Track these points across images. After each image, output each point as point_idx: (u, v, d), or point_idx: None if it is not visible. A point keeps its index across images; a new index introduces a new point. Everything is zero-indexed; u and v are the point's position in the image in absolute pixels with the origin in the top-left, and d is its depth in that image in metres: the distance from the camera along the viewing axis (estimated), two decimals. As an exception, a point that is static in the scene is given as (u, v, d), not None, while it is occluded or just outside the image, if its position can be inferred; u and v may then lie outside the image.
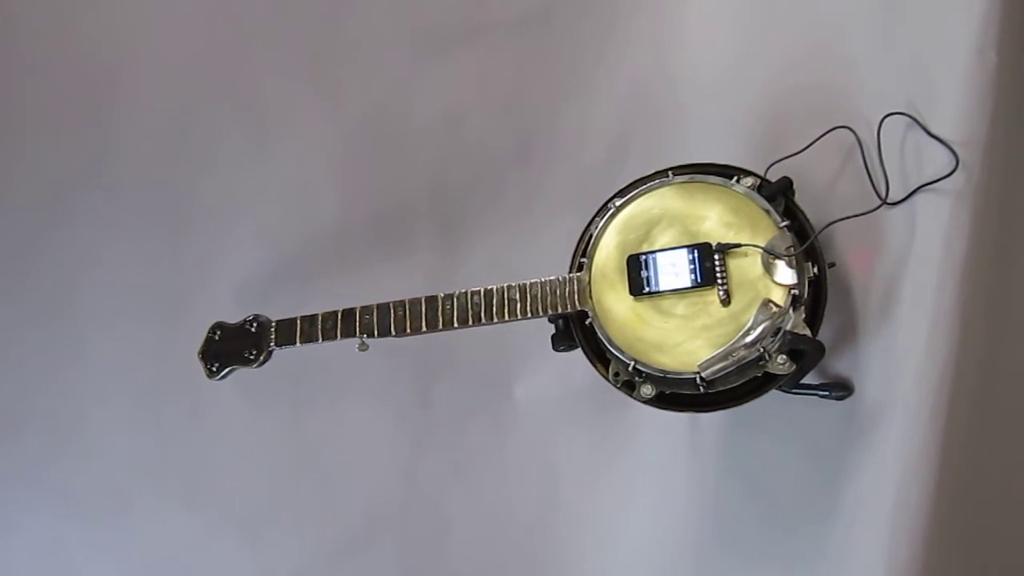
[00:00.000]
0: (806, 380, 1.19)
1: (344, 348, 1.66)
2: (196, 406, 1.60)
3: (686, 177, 1.16)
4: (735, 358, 1.07)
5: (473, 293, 1.21)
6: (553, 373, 1.63)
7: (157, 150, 1.67)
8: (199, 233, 1.63)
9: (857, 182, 1.13)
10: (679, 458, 1.49)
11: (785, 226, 1.09)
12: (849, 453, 1.14)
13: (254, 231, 1.60)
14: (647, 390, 1.15)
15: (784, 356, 1.09)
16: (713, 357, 1.08)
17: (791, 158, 1.16)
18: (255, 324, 1.32)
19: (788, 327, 1.07)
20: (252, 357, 1.31)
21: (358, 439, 1.59)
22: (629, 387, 1.17)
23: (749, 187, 1.13)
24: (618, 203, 1.18)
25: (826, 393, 1.18)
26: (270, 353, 1.30)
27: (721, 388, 1.12)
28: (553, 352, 1.65)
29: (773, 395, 1.23)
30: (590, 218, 1.22)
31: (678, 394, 1.15)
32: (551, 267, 1.41)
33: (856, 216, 1.07)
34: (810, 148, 1.16)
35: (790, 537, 1.21)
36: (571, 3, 1.50)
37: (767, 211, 1.11)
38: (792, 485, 1.23)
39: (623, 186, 1.21)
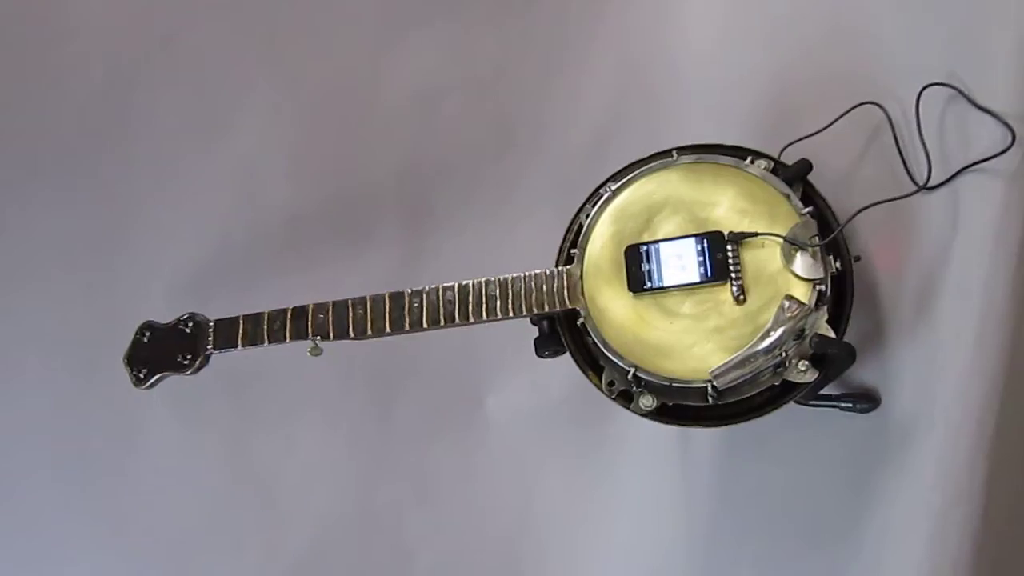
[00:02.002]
0: (825, 391, 1.06)
1: (293, 353, 1.48)
2: (122, 422, 1.40)
3: (693, 158, 1.01)
4: (752, 365, 0.92)
5: (445, 289, 1.05)
6: (529, 384, 1.47)
7: (81, 126, 1.46)
8: (129, 221, 1.42)
9: (885, 166, 0.99)
10: (671, 481, 1.34)
11: (808, 213, 0.95)
12: (876, 475, 1.00)
13: (193, 220, 1.40)
14: (647, 401, 1.00)
15: (806, 362, 0.94)
16: (727, 363, 0.93)
17: (808, 139, 1.02)
18: (191, 324, 1.14)
19: (811, 328, 0.93)
20: (186, 362, 1.13)
21: (308, 459, 1.40)
22: (626, 398, 1.02)
23: (764, 170, 0.99)
24: (613, 187, 1.03)
25: (849, 405, 1.04)
26: (207, 357, 1.12)
27: (732, 399, 0.98)
28: (531, 360, 1.49)
29: (783, 412, 1.09)
30: (579, 207, 1.08)
31: (682, 406, 1.00)
32: (532, 265, 1.26)
33: (891, 200, 0.93)
34: (831, 128, 1.02)
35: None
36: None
37: (787, 196, 0.97)
38: (804, 515, 1.08)
39: (617, 170, 1.06)
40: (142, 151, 1.42)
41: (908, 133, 0.98)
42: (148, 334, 1.16)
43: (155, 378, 1.14)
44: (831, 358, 0.93)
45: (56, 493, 1.44)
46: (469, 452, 1.46)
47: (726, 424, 0.99)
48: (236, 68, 1.42)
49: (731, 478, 1.20)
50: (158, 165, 1.42)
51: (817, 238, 0.94)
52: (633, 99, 1.29)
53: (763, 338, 0.92)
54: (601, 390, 1.03)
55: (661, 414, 1.00)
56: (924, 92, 0.96)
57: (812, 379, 0.94)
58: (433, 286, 1.05)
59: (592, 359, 1.04)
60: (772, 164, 1.01)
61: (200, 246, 1.40)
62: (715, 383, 0.93)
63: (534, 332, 1.51)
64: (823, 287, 0.93)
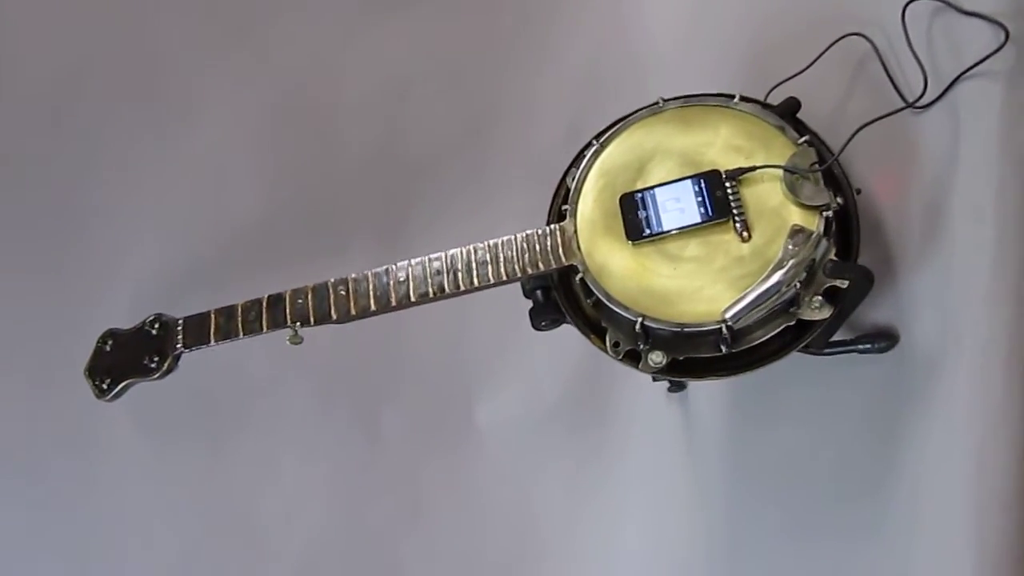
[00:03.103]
0: (837, 336, 1.01)
1: (269, 371, 1.39)
2: (82, 449, 1.29)
3: (679, 102, 0.99)
4: (766, 301, 0.87)
5: (432, 260, 0.99)
6: (520, 389, 1.40)
7: (31, 124, 1.38)
8: (86, 225, 1.34)
9: (875, 94, 0.97)
10: (681, 471, 1.26)
11: (805, 141, 0.92)
12: (903, 417, 0.94)
13: (154, 221, 1.32)
14: (656, 358, 0.93)
15: (820, 298, 0.89)
16: (739, 301, 0.87)
17: (792, 80, 1.00)
18: (157, 325, 1.06)
19: (822, 259, 0.89)
20: (154, 365, 1.04)
21: (290, 481, 1.30)
22: (633, 358, 0.95)
23: (754, 107, 0.96)
24: (600, 140, 0.99)
25: (866, 346, 0.99)
26: (177, 358, 1.04)
27: (746, 345, 0.92)
28: (520, 365, 1.43)
29: (795, 368, 1.04)
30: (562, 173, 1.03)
31: (693, 360, 0.94)
32: None
33: (887, 116, 0.89)
34: (814, 65, 0.99)
35: (838, 534, 0.99)
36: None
37: (780, 128, 0.94)
38: (831, 473, 1.02)
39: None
40: (97, 149, 1.34)
41: (895, 57, 0.96)
42: (111, 342, 1.07)
43: (120, 386, 1.05)
44: (846, 290, 0.89)
45: (5, 529, 1.30)
46: (461, 466, 1.37)
47: (742, 372, 0.93)
48: (196, 60, 1.36)
49: (746, 453, 1.13)
50: (115, 164, 1.34)
51: (817, 165, 0.90)
52: (606, 73, 1.26)
53: (774, 271, 0.87)
54: (606, 352, 0.97)
55: (673, 370, 0.94)
56: (908, 8, 0.95)
57: (828, 314, 0.90)
58: (418, 259, 0.99)
59: (593, 323, 0.99)
60: (759, 107, 0.98)
61: (163, 250, 1.32)
62: (729, 323, 0.87)
63: (522, 334, 1.45)
64: (829, 213, 0.89)
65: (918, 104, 0.93)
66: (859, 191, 0.95)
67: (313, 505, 1.30)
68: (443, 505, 1.36)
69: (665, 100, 0.99)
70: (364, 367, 1.34)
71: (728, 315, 0.87)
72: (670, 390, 1.35)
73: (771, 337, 0.92)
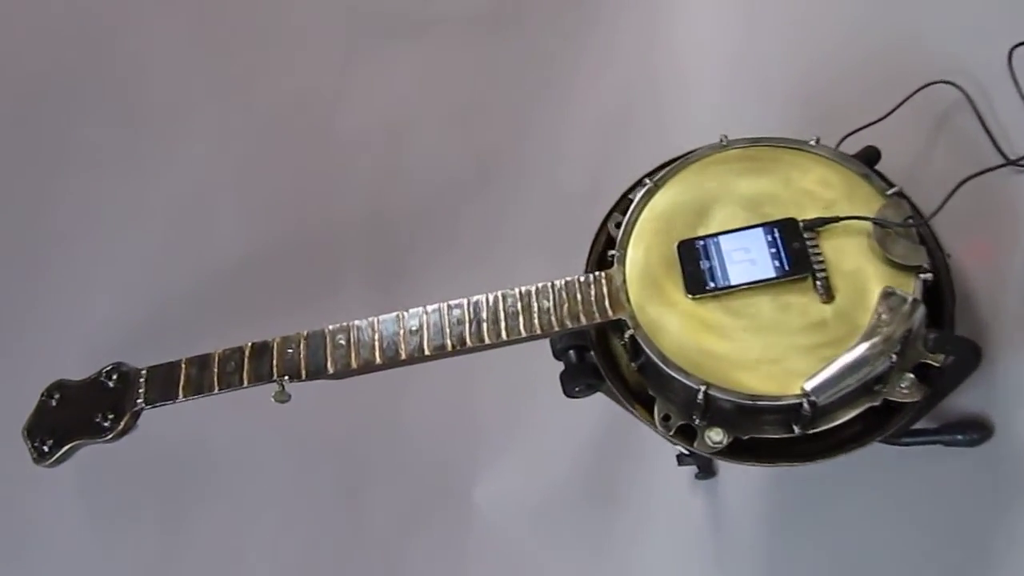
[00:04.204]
0: (919, 425, 0.87)
1: (238, 432, 1.21)
2: (17, 526, 1.08)
3: (745, 142, 0.86)
4: (855, 373, 0.73)
5: (453, 307, 0.84)
6: (526, 463, 1.24)
7: None
8: (43, 266, 1.15)
9: (963, 148, 0.86)
10: (708, 564, 1.10)
11: (896, 192, 0.80)
12: (995, 523, 0.80)
13: (121, 265, 1.15)
14: (716, 436, 0.79)
15: (911, 376, 0.76)
16: (823, 371, 0.73)
17: (869, 128, 0.88)
18: (115, 376, 0.89)
19: (918, 329, 0.76)
20: (108, 424, 0.86)
21: (257, 563, 1.11)
22: (687, 435, 0.81)
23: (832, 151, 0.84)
24: (655, 178, 0.86)
25: (954, 437, 0.85)
26: (136, 415, 0.86)
27: (823, 426, 0.78)
28: (522, 439, 1.28)
29: (855, 459, 0.89)
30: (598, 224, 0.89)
31: (758, 441, 0.80)
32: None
33: (990, 171, 0.78)
34: (894, 114, 0.88)
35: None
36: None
37: (865, 176, 0.82)
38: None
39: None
40: (60, 181, 1.18)
41: (989, 108, 0.85)
42: (58, 395, 0.90)
43: (64, 449, 0.87)
44: (945, 368, 0.75)
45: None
46: (456, 550, 1.20)
47: (815, 460, 0.79)
48: (177, 89, 1.21)
49: (787, 561, 0.98)
50: (80, 199, 1.17)
51: (912, 220, 0.78)
52: (637, 117, 1.14)
53: (863, 339, 0.74)
54: (654, 427, 0.82)
55: (734, 453, 0.80)
56: (1015, 51, 0.84)
57: (920, 396, 0.76)
58: (435, 305, 0.84)
59: (636, 390, 0.84)
60: (838, 153, 0.86)
61: (130, 297, 1.14)
62: (812, 397, 0.73)
63: (531, 399, 1.29)
64: (927, 276, 0.76)
65: (1022, 161, 0.82)
66: (949, 256, 0.83)
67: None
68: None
69: (729, 139, 0.87)
70: (349, 430, 1.18)
71: (810, 387, 0.73)
72: (698, 476, 1.20)
73: (850, 420, 0.79)
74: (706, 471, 1.19)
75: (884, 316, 0.75)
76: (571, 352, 0.87)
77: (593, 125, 1.19)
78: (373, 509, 1.18)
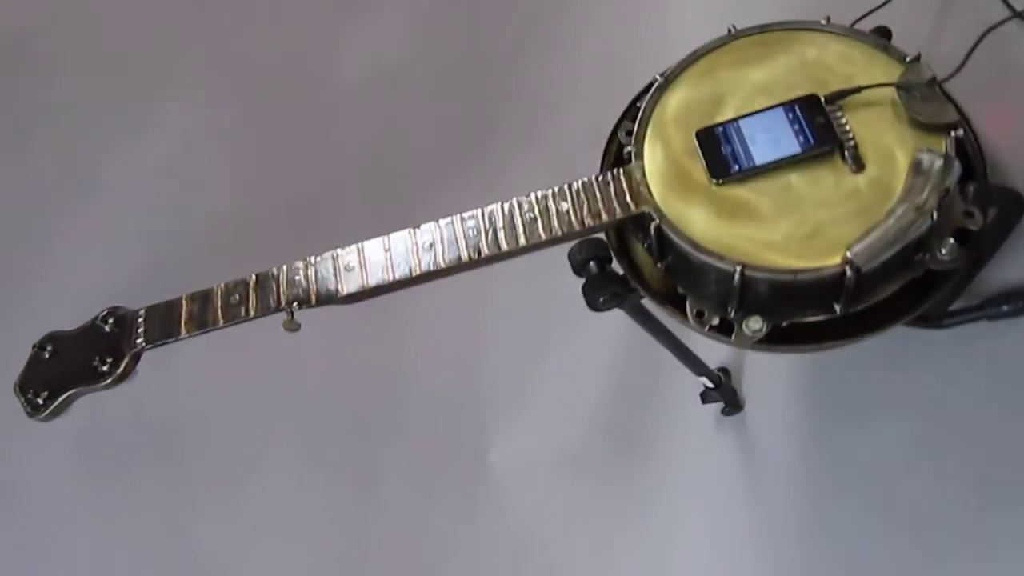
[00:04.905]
0: (960, 303, 0.84)
1: (244, 400, 1.15)
2: (13, 495, 1.01)
3: (756, 29, 0.84)
4: (899, 235, 0.70)
5: (467, 217, 0.80)
6: (542, 423, 1.19)
7: None
8: (30, 237, 1.10)
9: (970, 20, 0.83)
10: (744, 512, 1.05)
11: (914, 59, 0.78)
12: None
13: (109, 232, 1.10)
14: (755, 324, 0.75)
15: (951, 241, 0.73)
16: (867, 235, 0.70)
17: (875, 13, 0.86)
18: (110, 321, 0.84)
19: (954, 188, 0.73)
20: (106, 368, 0.81)
21: (268, 534, 1.05)
22: (724, 329, 0.77)
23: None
24: (665, 75, 0.83)
25: (999, 308, 0.81)
26: (136, 357, 0.82)
27: (864, 303, 0.74)
28: (540, 397, 1.23)
29: (888, 354, 0.86)
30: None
31: (798, 328, 0.76)
32: (534, 281, 1.03)
33: (1009, 20, 0.76)
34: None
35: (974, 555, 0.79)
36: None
37: (882, 47, 0.79)
38: (953, 478, 0.82)
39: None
40: (43, 148, 1.13)
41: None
42: (50, 347, 0.85)
43: (60, 399, 0.82)
44: (988, 224, 0.72)
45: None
46: (474, 516, 1.14)
47: (862, 337, 0.75)
48: (162, 46, 1.17)
49: (831, 471, 0.93)
50: (64, 166, 1.12)
51: (936, 79, 0.75)
52: (634, 53, 1.11)
53: (903, 200, 0.71)
54: (689, 324, 0.78)
55: (775, 341, 0.76)
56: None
57: (962, 261, 0.73)
58: (447, 218, 0.80)
59: (666, 289, 0.80)
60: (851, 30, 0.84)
61: (119, 265, 1.09)
62: (855, 263, 0.70)
63: (543, 359, 1.25)
64: (959, 132, 0.73)
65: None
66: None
67: (297, 564, 1.04)
68: (451, 564, 1.12)
69: (737, 29, 0.84)
70: (359, 398, 1.13)
71: (852, 253, 0.70)
72: (724, 412, 1.16)
73: (892, 296, 0.75)
74: (732, 405, 1.15)
75: (919, 177, 0.72)
76: (592, 264, 0.84)
77: (596, 47, 1.15)
78: (386, 474, 1.12)
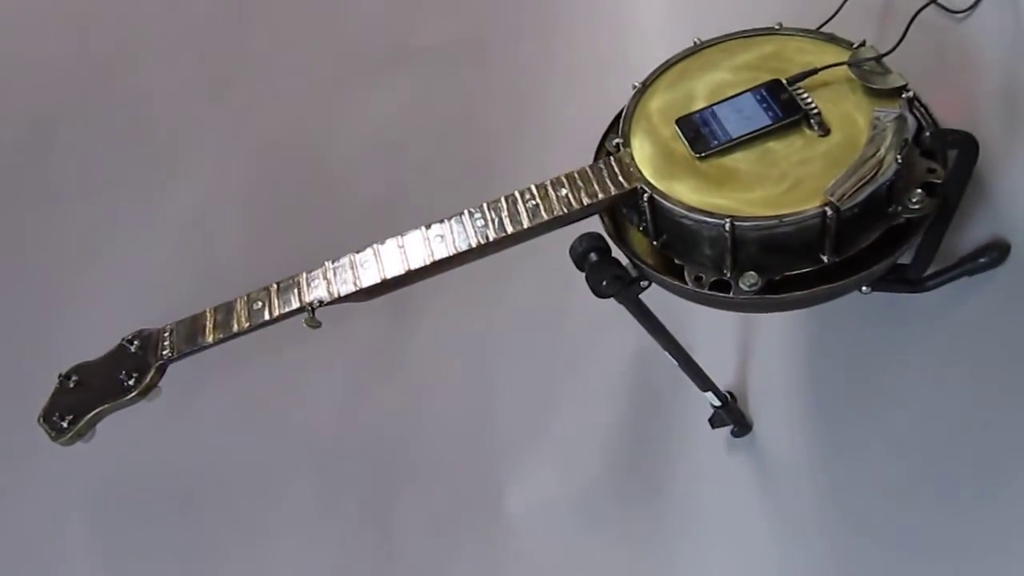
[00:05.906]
0: (938, 266, 0.89)
1: (260, 452, 1.15)
2: (31, 556, 0.98)
3: (719, 39, 0.94)
4: (869, 173, 0.77)
5: (473, 212, 0.86)
6: (557, 465, 1.19)
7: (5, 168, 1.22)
8: (54, 291, 1.12)
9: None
10: (766, 526, 1.05)
11: (860, 44, 0.87)
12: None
13: (131, 285, 1.12)
14: (750, 279, 0.80)
15: (919, 192, 0.80)
16: (841, 177, 0.77)
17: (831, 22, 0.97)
18: (135, 342, 0.87)
19: (911, 141, 0.80)
20: (131, 383, 0.84)
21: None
22: (722, 287, 0.81)
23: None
24: (643, 82, 0.92)
25: (976, 262, 0.86)
26: (162, 369, 0.84)
27: (848, 252, 0.80)
28: (553, 435, 1.24)
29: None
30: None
31: (791, 279, 0.81)
32: (536, 320, 1.09)
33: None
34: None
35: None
36: (505, 27, 1.34)
37: (831, 40, 0.89)
38: (976, 440, 0.84)
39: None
40: (68, 207, 1.18)
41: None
42: (75, 377, 0.88)
43: (85, 419, 0.84)
44: (951, 169, 0.79)
45: None
46: (492, 563, 1.11)
47: (848, 279, 0.79)
48: (179, 116, 1.26)
49: (849, 473, 0.94)
50: (88, 223, 1.16)
51: (880, 56, 0.85)
52: (609, 76, 1.21)
53: (868, 147, 0.78)
54: (688, 288, 0.82)
55: (770, 291, 0.81)
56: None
57: (932, 207, 0.79)
58: (454, 216, 0.86)
59: (664, 262, 0.85)
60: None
61: (141, 313, 1.11)
62: (835, 202, 0.76)
63: (554, 401, 1.27)
64: (910, 93, 0.82)
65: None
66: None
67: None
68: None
69: (702, 40, 0.95)
70: (374, 447, 1.13)
71: (830, 192, 0.76)
72: (734, 433, 1.17)
73: (875, 244, 0.81)
74: (741, 426, 1.16)
75: (879, 129, 0.80)
76: (592, 254, 0.89)
77: (572, 118, 1.25)
78: (402, 523, 1.11)
